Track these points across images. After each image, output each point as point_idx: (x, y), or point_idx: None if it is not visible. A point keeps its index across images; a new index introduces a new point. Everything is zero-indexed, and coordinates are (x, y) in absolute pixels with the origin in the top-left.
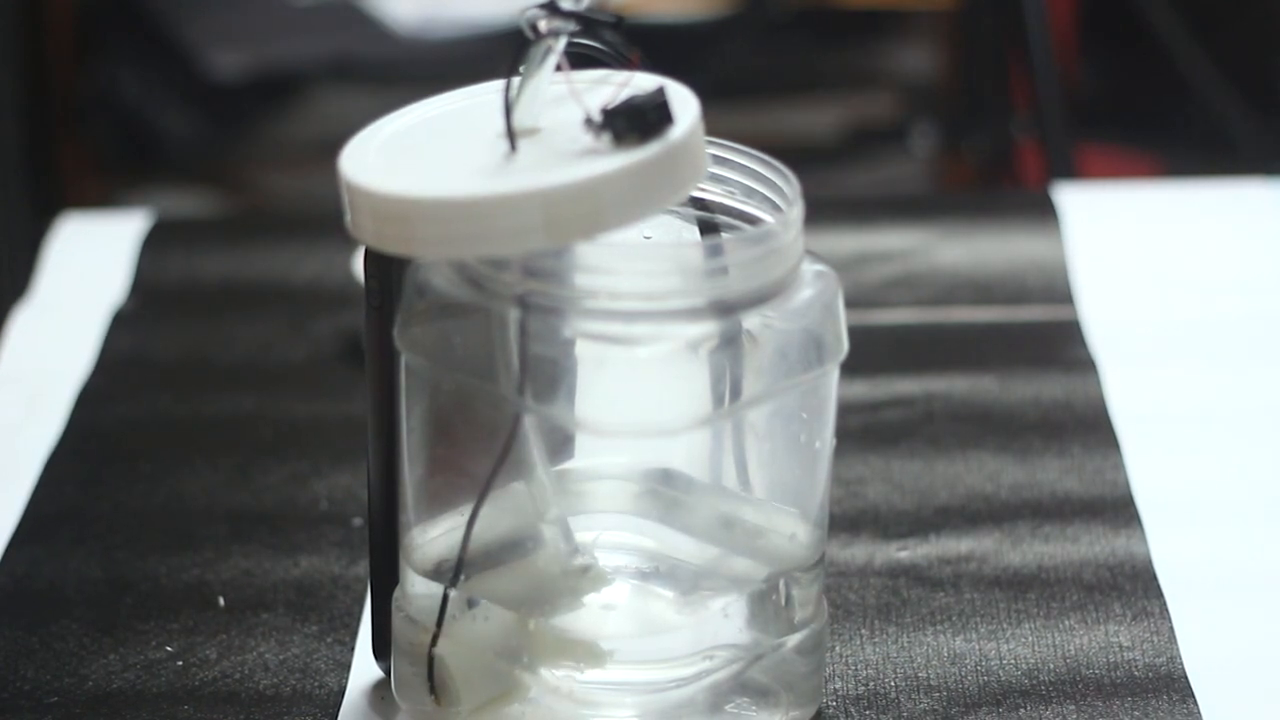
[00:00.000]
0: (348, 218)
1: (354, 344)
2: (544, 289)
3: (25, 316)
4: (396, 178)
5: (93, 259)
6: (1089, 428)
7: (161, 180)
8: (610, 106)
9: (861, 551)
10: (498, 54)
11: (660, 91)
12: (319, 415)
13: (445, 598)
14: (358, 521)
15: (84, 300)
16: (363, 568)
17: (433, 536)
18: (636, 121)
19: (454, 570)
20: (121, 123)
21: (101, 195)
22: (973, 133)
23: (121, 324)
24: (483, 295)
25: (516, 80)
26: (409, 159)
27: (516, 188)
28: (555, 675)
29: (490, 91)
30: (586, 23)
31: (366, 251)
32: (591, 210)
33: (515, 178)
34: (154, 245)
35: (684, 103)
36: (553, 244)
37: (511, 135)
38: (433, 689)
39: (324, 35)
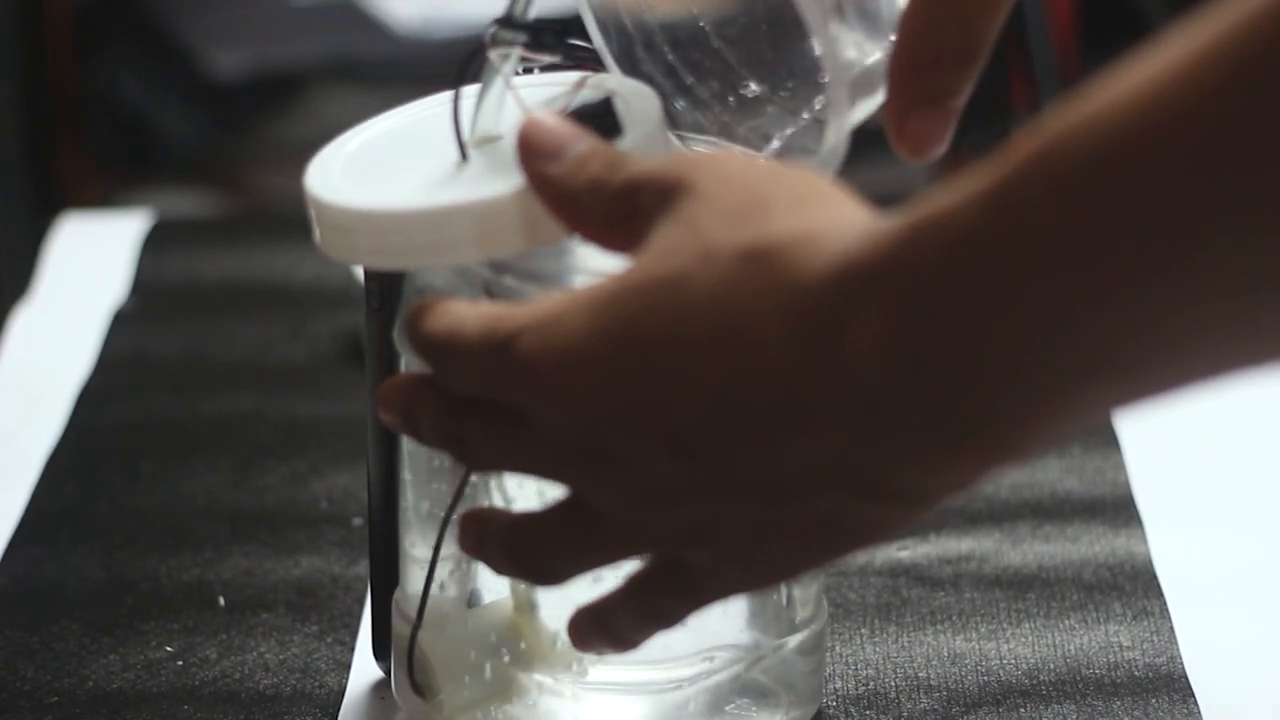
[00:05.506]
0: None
1: (354, 344)
2: (544, 292)
3: (25, 316)
4: (346, 187)
5: (93, 259)
6: (1089, 427)
7: (161, 180)
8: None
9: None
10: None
11: (605, 102)
12: (319, 415)
13: (426, 588)
14: (358, 521)
15: (84, 300)
16: (363, 568)
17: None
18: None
19: (429, 569)
20: (121, 123)
21: (101, 195)
22: (973, 132)
23: (121, 324)
24: (483, 297)
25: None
26: (371, 167)
27: (445, 201)
28: (554, 675)
29: (469, 96)
30: (535, 32)
31: None
32: (523, 223)
33: (451, 190)
34: (154, 245)
35: (644, 112)
36: (486, 255)
37: (461, 146)
38: (414, 683)
39: (324, 35)
